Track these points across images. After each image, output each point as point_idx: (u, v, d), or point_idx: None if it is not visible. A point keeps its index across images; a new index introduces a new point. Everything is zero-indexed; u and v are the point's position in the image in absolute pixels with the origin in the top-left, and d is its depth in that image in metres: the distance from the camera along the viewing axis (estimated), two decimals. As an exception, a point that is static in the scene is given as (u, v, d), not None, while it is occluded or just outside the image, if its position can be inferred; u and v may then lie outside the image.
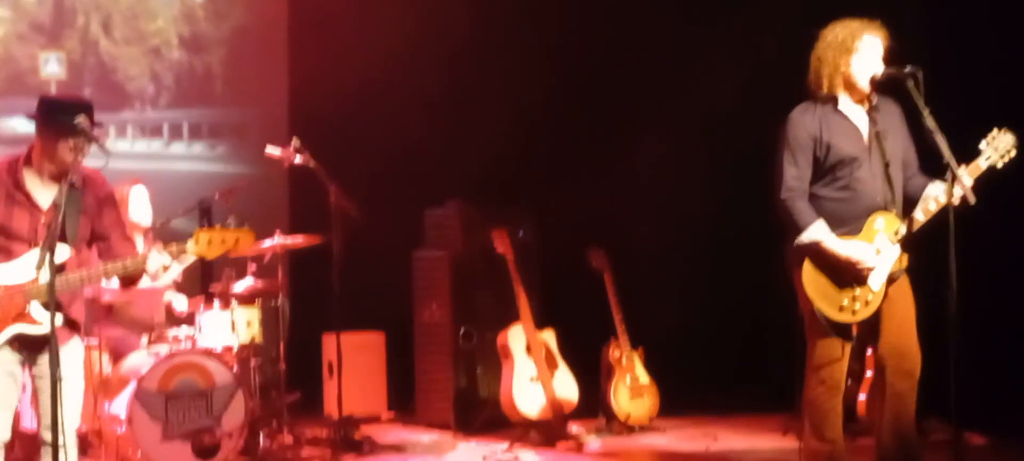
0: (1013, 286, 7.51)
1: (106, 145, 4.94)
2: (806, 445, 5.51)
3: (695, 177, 8.90)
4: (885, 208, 5.32)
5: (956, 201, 5.13)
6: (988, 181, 5.34)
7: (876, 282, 5.29)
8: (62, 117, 4.94)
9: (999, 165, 5.29)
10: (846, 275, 5.28)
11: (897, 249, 5.30)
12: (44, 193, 5.05)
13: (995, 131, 5.31)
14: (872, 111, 5.37)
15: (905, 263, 5.36)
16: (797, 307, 5.44)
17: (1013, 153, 5.31)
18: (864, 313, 5.30)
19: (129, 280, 5.24)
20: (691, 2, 9.00)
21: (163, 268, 5.05)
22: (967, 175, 5.18)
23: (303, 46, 9.69)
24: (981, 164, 5.26)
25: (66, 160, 4.97)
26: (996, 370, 7.26)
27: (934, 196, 5.28)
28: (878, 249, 5.28)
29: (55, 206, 4.89)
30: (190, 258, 5.24)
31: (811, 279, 5.31)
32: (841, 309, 5.29)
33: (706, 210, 8.90)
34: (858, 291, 5.29)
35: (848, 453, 5.56)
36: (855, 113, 5.38)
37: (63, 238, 4.94)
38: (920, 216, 5.31)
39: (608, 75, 9.31)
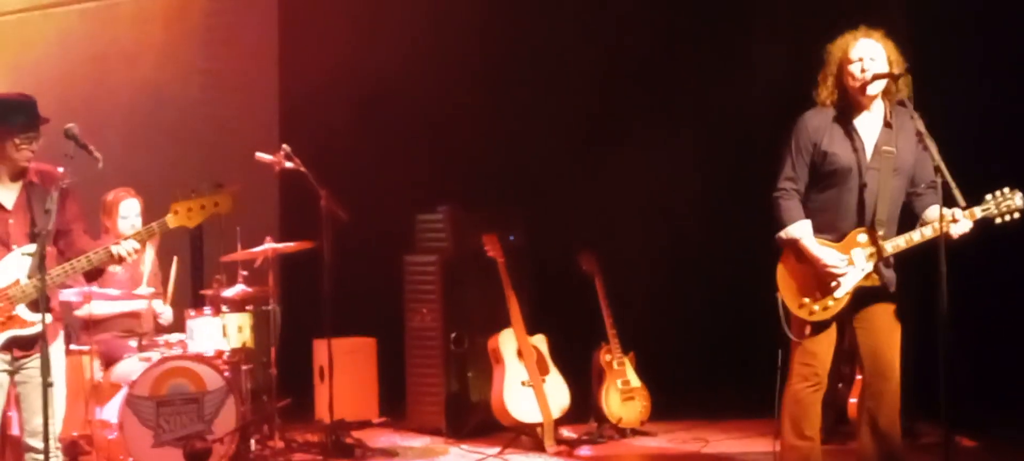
0: (1003, 289, 7.53)
1: (93, 150, 4.95)
2: (785, 442, 5.54)
3: (686, 181, 8.91)
4: (871, 226, 5.36)
5: (955, 233, 5.19)
6: (980, 185, 5.38)
7: (839, 292, 5.35)
8: (10, 117, 4.94)
9: (997, 221, 5.30)
10: (814, 277, 5.36)
11: (869, 267, 5.35)
12: (5, 194, 5.05)
13: (1006, 189, 5.31)
14: (887, 126, 5.38)
15: (876, 281, 5.40)
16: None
17: (1017, 216, 5.30)
18: (820, 316, 5.38)
19: (97, 272, 5.24)
20: (683, 12, 9.01)
21: (134, 251, 5.03)
22: (966, 219, 5.22)
23: (293, 52, 9.69)
24: (977, 212, 5.27)
25: (18, 159, 4.98)
26: (987, 373, 7.28)
27: (920, 228, 5.34)
28: (851, 261, 5.34)
29: (45, 211, 4.88)
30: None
31: (783, 273, 5.44)
32: (800, 306, 5.39)
33: (697, 213, 8.91)
34: (820, 295, 5.36)
35: (838, 455, 5.59)
36: (866, 127, 5.38)
37: (34, 237, 4.94)
38: (903, 242, 5.36)
39: (599, 80, 9.32)
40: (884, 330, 5.44)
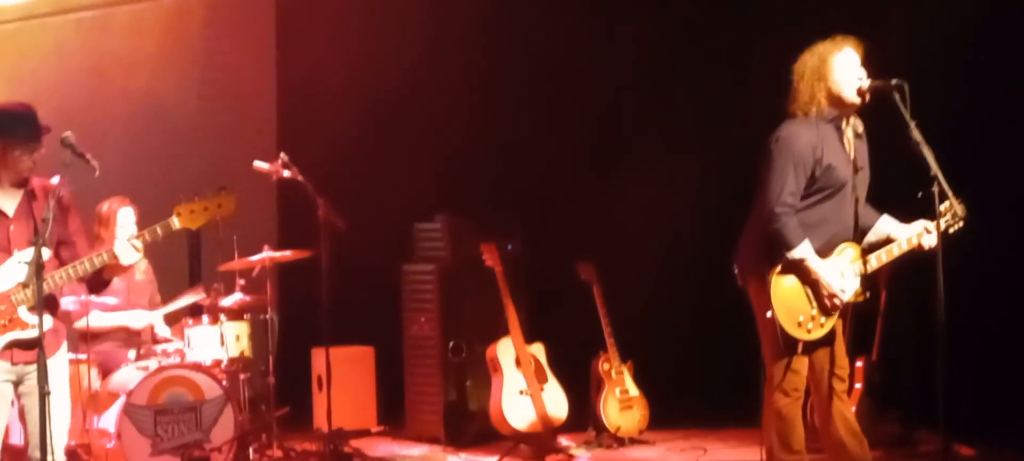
0: (1001, 297, 7.53)
1: (90, 159, 4.95)
2: (776, 458, 5.50)
3: (685, 190, 8.90)
4: (852, 239, 5.38)
5: (927, 244, 5.34)
6: (978, 191, 5.39)
7: (835, 310, 5.35)
8: (12, 128, 4.96)
9: (950, 231, 5.41)
10: (814, 297, 5.32)
11: (858, 283, 5.36)
12: (7, 201, 5.06)
13: (952, 200, 5.35)
14: (858, 138, 5.40)
15: (862, 297, 5.42)
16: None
17: (961, 224, 5.45)
18: (816, 334, 5.35)
19: (101, 282, 5.24)
20: (686, 24, 9.01)
21: (138, 250, 5.03)
22: (928, 234, 5.37)
23: (291, 60, 9.69)
24: (941, 225, 5.32)
25: (20, 169, 5.00)
26: (985, 381, 7.28)
27: (888, 235, 5.44)
28: (845, 277, 5.34)
29: (42, 221, 4.89)
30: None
31: (780, 291, 5.32)
32: (798, 325, 5.31)
33: (696, 222, 8.89)
34: (817, 313, 5.33)
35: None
36: (850, 139, 5.39)
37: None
38: (884, 256, 5.41)
39: (599, 89, 9.33)
40: (839, 335, 5.49)
